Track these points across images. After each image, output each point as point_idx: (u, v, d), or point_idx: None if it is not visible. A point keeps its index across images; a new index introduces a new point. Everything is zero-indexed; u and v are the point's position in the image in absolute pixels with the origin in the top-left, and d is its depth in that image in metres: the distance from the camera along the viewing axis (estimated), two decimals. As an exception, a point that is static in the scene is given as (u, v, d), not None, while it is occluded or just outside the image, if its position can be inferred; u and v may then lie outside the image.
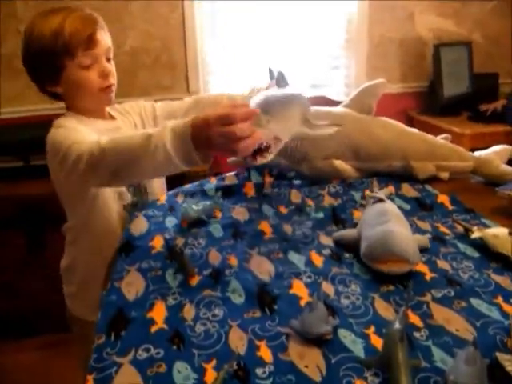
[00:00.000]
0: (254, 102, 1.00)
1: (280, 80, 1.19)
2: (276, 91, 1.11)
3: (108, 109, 1.21)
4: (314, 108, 1.41)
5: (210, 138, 0.80)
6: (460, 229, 1.05)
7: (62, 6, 1.09)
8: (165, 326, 0.77)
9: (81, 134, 1.03)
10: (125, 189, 1.17)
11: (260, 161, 0.90)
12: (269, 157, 0.90)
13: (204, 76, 2.62)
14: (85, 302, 1.22)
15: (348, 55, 2.75)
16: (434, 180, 1.35)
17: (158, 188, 1.31)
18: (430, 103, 2.75)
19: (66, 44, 1.01)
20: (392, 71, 2.78)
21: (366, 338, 0.73)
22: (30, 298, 2.11)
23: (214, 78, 2.65)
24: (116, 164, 0.91)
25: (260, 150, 0.88)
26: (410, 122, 2.78)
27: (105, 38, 1.08)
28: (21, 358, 2.05)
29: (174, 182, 1.37)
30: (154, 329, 0.77)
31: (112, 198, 1.16)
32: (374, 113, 1.40)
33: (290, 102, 1.03)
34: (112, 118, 1.21)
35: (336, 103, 1.68)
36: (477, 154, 1.39)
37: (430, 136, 1.39)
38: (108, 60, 1.10)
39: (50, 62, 1.04)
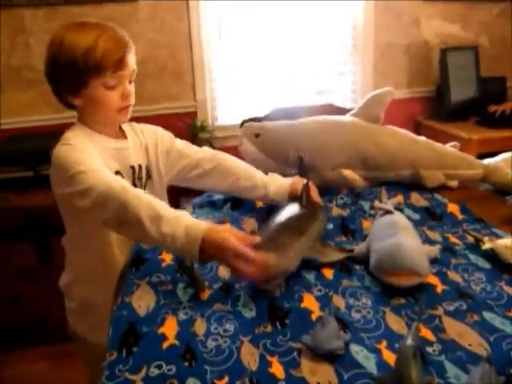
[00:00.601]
0: (272, 227, 0.97)
1: (302, 167, 1.23)
2: (295, 213, 1.02)
3: (125, 125, 1.19)
4: (322, 117, 1.42)
5: (218, 259, 0.90)
6: (471, 239, 1.05)
7: (91, 21, 1.08)
8: (176, 342, 0.77)
9: (89, 159, 1.01)
10: None
11: (265, 287, 0.88)
12: (275, 284, 0.87)
13: (211, 84, 2.63)
14: (85, 321, 1.21)
15: (354, 61, 2.75)
16: (443, 188, 1.34)
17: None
18: (437, 108, 2.74)
19: (96, 63, 1.01)
20: (399, 77, 2.78)
21: (378, 353, 0.72)
22: (36, 307, 2.12)
23: (220, 86, 2.65)
24: (123, 221, 0.93)
25: (267, 279, 0.87)
26: (417, 128, 2.77)
27: (133, 60, 1.08)
28: (25, 368, 2.06)
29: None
30: (165, 345, 0.77)
31: None
32: (381, 121, 1.40)
33: (305, 235, 0.96)
34: (123, 135, 1.18)
35: (342, 110, 1.68)
36: (486, 161, 1.38)
37: (438, 144, 1.38)
38: (130, 82, 1.09)
39: (76, 77, 1.03)
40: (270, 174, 1.26)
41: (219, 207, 1.27)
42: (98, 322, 1.03)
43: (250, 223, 1.17)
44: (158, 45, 2.53)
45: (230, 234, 0.87)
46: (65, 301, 1.25)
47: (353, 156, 1.34)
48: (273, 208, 1.23)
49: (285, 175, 1.37)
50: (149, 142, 1.22)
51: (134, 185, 1.14)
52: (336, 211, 1.22)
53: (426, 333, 0.76)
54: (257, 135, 1.40)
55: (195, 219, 0.92)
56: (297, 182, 1.20)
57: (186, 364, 0.72)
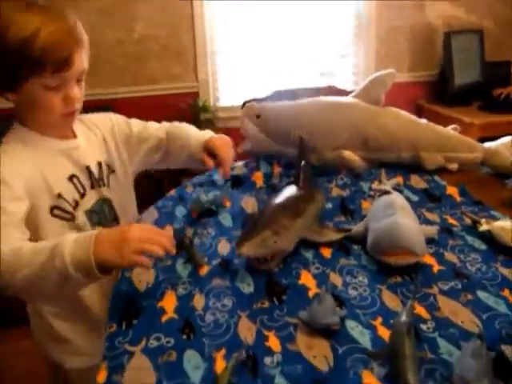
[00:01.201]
0: (270, 207, 0.96)
1: (302, 148, 1.21)
2: (292, 194, 1.02)
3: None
4: (323, 98, 1.42)
5: (127, 244, 0.75)
6: (468, 221, 1.05)
7: (38, 2, 0.89)
8: (175, 316, 0.78)
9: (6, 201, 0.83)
10: (85, 221, 1.00)
11: (263, 267, 0.89)
12: (272, 265, 0.89)
13: (213, 65, 2.62)
14: (63, 348, 1.07)
15: (357, 44, 2.73)
16: (442, 171, 1.35)
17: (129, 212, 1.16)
18: (439, 92, 2.73)
19: (34, 59, 0.82)
20: (401, 60, 2.76)
21: (372, 329, 0.74)
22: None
23: (222, 67, 2.64)
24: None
25: (265, 260, 0.88)
26: (419, 112, 2.76)
27: (82, 59, 0.90)
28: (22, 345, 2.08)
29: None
30: (164, 318, 0.78)
31: (67, 232, 0.95)
32: (382, 103, 1.40)
33: (303, 216, 0.95)
34: (71, 133, 1.03)
35: (344, 92, 1.67)
36: (486, 145, 1.38)
37: (439, 127, 1.38)
38: (78, 81, 0.92)
39: (9, 69, 0.84)
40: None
41: (219, 185, 1.27)
42: (77, 349, 1.04)
43: (250, 202, 1.18)
44: (159, 24, 2.51)
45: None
46: (32, 324, 1.10)
47: (353, 137, 1.34)
48: (273, 188, 1.25)
49: (285, 156, 1.38)
50: (105, 133, 1.09)
51: (92, 186, 1.03)
52: (336, 191, 1.23)
53: (421, 310, 0.77)
54: (258, 116, 1.40)
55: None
56: (215, 138, 1.14)
57: (185, 337, 0.74)
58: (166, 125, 1.21)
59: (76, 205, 0.98)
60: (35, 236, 0.89)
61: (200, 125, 2.43)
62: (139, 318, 0.79)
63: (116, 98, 2.48)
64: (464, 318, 0.76)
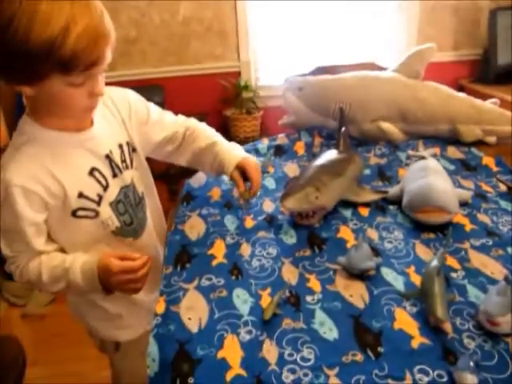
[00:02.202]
0: (312, 168, 1.02)
1: (342, 119, 1.22)
2: (332, 156, 1.08)
3: None
4: (364, 72, 1.46)
5: (111, 283, 0.90)
6: (503, 188, 1.09)
7: None
8: (224, 261, 0.87)
9: (29, 215, 0.87)
10: (110, 213, 0.98)
11: (305, 222, 0.96)
12: (313, 221, 0.96)
13: (254, 45, 2.67)
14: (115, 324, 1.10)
15: (400, 22, 2.72)
16: (480, 144, 1.37)
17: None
18: (483, 72, 2.69)
19: (63, 61, 0.75)
20: (444, 38, 2.73)
21: (406, 275, 0.80)
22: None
23: (263, 46, 2.70)
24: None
25: (307, 215, 0.95)
26: (461, 91, 2.73)
27: (110, 53, 0.83)
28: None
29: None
30: (214, 262, 0.87)
31: (94, 228, 0.97)
32: (421, 77, 1.43)
33: (343, 176, 1.02)
34: (89, 121, 0.96)
35: (385, 69, 1.71)
36: (526, 118, 1.39)
37: (477, 101, 1.41)
38: (102, 74, 0.87)
39: (32, 68, 0.76)
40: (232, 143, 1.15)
41: (263, 154, 1.35)
42: (127, 323, 1.09)
43: (292, 168, 1.25)
44: (203, 5, 2.58)
45: (110, 258, 0.89)
46: (78, 307, 1.12)
47: (392, 110, 1.38)
48: (314, 156, 1.31)
49: (326, 127, 1.44)
50: (124, 114, 1.03)
51: (114, 175, 0.98)
52: (374, 160, 1.28)
53: (452, 262, 0.83)
54: (300, 88, 1.47)
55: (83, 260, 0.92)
56: (249, 160, 1.08)
57: (234, 278, 0.83)
58: (182, 119, 1.16)
59: (100, 199, 0.95)
60: (63, 236, 0.94)
61: (242, 103, 2.51)
62: (192, 261, 0.88)
63: (163, 77, 2.57)
64: (493, 269, 0.81)
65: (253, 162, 1.07)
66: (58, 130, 0.89)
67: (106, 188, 0.96)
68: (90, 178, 0.94)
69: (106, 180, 0.96)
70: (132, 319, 1.08)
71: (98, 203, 0.95)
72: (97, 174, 0.95)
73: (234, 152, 1.09)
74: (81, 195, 0.91)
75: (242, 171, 1.05)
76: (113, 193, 0.98)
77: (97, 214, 0.95)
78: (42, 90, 0.80)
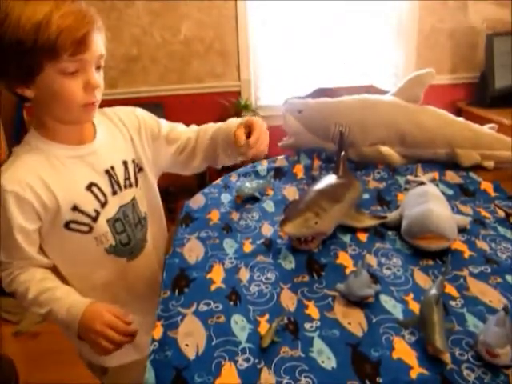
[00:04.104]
0: (311, 192, 1.02)
1: (342, 142, 1.23)
2: (332, 182, 1.08)
3: (97, 114, 0.96)
4: (363, 95, 1.48)
5: (91, 330, 0.89)
6: (501, 214, 1.10)
7: None
8: (223, 285, 0.87)
9: (23, 223, 0.89)
10: (107, 230, 0.99)
11: (303, 247, 0.96)
12: (312, 246, 0.96)
13: (255, 65, 2.70)
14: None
15: (398, 45, 2.76)
16: (478, 168, 1.38)
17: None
18: (480, 95, 2.73)
19: (50, 42, 0.79)
20: (442, 62, 2.77)
21: (404, 303, 0.80)
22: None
23: (264, 67, 2.73)
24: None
25: (306, 240, 0.95)
26: (459, 114, 2.75)
27: (99, 42, 0.87)
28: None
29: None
30: (213, 287, 0.87)
31: (85, 244, 0.98)
32: (421, 102, 1.45)
33: (342, 201, 1.02)
34: (92, 134, 0.99)
35: (384, 92, 1.72)
36: (524, 143, 1.41)
37: (475, 125, 1.42)
38: (98, 68, 0.89)
39: (25, 60, 0.81)
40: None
41: (263, 176, 1.35)
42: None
43: (292, 191, 1.25)
44: (205, 25, 2.62)
45: (105, 308, 0.91)
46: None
47: (391, 133, 1.39)
48: (313, 180, 1.32)
49: (325, 150, 1.45)
50: (132, 131, 1.05)
51: (114, 192, 0.99)
52: (372, 184, 1.29)
53: (451, 289, 0.83)
54: (300, 111, 1.48)
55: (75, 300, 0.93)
56: (253, 118, 1.07)
57: (232, 303, 0.82)
58: (194, 127, 1.19)
59: (97, 215, 0.96)
60: (54, 248, 0.97)
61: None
62: (190, 286, 0.88)
63: (163, 95, 2.59)
64: (492, 297, 0.81)
65: (259, 120, 1.06)
66: (60, 142, 0.93)
67: (104, 204, 0.97)
68: (87, 193, 0.95)
69: (104, 196, 0.97)
70: None
71: (95, 219, 0.96)
72: (95, 189, 0.96)
73: (237, 120, 1.10)
74: (75, 208, 0.93)
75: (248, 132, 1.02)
76: (111, 210, 0.99)
77: (90, 229, 0.96)
78: (40, 88, 0.84)
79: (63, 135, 0.93)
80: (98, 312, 0.89)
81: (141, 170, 1.06)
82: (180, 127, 1.16)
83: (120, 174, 1.00)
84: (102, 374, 1.12)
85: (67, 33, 0.80)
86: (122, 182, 1.01)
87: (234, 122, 1.11)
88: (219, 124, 1.15)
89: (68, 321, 0.90)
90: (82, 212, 0.94)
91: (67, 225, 0.93)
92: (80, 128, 0.97)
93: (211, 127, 1.15)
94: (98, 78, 0.89)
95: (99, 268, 1.02)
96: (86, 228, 0.95)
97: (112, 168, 0.99)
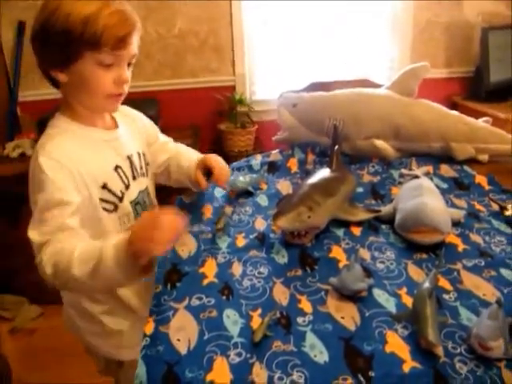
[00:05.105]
0: (305, 186, 1.02)
1: (336, 136, 1.22)
2: (326, 175, 1.08)
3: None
4: (358, 89, 1.47)
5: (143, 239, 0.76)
6: (495, 207, 1.09)
7: None
8: (215, 280, 0.86)
9: (63, 195, 0.86)
10: (130, 211, 1.02)
11: (297, 242, 0.96)
12: (305, 240, 0.96)
13: (249, 60, 2.69)
14: (110, 342, 1.08)
15: (393, 39, 2.75)
16: (473, 162, 1.38)
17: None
18: (475, 89, 2.72)
19: (95, 35, 0.86)
20: (437, 56, 2.76)
21: (398, 296, 0.79)
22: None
23: (259, 61, 2.71)
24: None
25: (299, 234, 0.95)
26: (454, 108, 2.73)
27: (136, 42, 0.94)
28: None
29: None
30: (205, 281, 0.86)
31: (111, 222, 0.99)
32: (415, 95, 1.44)
33: (336, 195, 1.02)
34: (114, 123, 1.06)
35: (378, 86, 1.72)
36: (518, 136, 1.40)
37: (470, 118, 1.42)
38: (129, 65, 0.96)
39: (68, 48, 0.88)
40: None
41: (256, 170, 1.35)
42: (127, 342, 1.05)
43: (285, 185, 1.24)
44: (199, 20, 2.59)
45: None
46: (76, 321, 1.09)
47: (385, 127, 1.39)
48: (307, 174, 1.31)
49: (319, 144, 1.44)
50: (140, 128, 1.14)
51: (134, 177, 1.04)
52: (367, 178, 1.28)
53: (444, 283, 0.83)
54: (294, 105, 1.47)
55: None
56: (207, 155, 1.16)
57: (224, 298, 0.82)
58: (172, 144, 1.24)
59: (122, 195, 1.00)
60: (95, 228, 0.94)
61: (236, 117, 2.51)
62: (182, 280, 0.87)
63: (158, 90, 2.58)
64: (486, 291, 0.81)
65: (212, 155, 1.16)
66: (87, 125, 0.98)
67: (127, 187, 1.02)
68: (114, 173, 0.99)
69: (127, 179, 1.02)
70: (133, 338, 1.00)
71: (120, 199, 1.00)
72: (120, 171, 1.01)
73: (191, 155, 1.19)
74: (104, 186, 0.97)
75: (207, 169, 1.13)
76: (133, 193, 1.04)
77: (115, 208, 0.99)
78: (75, 73, 0.91)
79: (90, 120, 0.99)
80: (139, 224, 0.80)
81: (147, 164, 1.12)
82: (169, 144, 1.23)
83: (137, 162, 1.07)
84: (118, 368, 1.12)
85: (112, 30, 0.87)
86: (138, 170, 1.07)
87: (193, 163, 1.16)
88: (182, 157, 1.19)
89: (121, 257, 0.76)
90: (110, 191, 0.97)
91: (99, 202, 0.96)
92: (104, 116, 1.04)
93: (178, 160, 1.19)
94: (128, 73, 0.96)
95: None
96: (111, 207, 0.98)
97: (131, 155, 1.05)
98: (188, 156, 1.19)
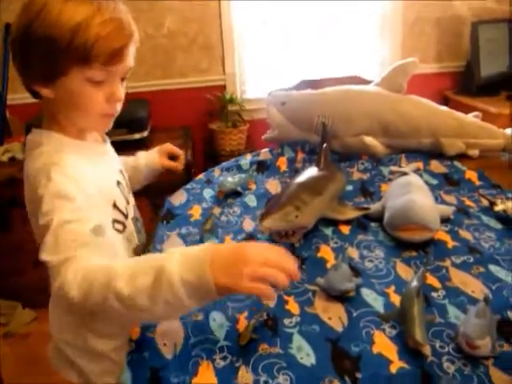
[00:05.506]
0: (292, 186, 1.00)
1: (324, 133, 1.23)
2: (313, 174, 1.07)
3: None
4: (346, 86, 1.46)
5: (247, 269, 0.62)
6: (485, 202, 1.09)
7: None
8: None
9: (84, 213, 0.74)
10: (133, 228, 0.97)
11: (285, 242, 0.94)
12: (294, 240, 0.95)
13: (239, 58, 2.67)
14: (99, 366, 0.94)
15: (383, 35, 2.74)
16: (463, 157, 1.37)
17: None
18: (466, 83, 2.71)
19: (85, 47, 0.74)
20: (428, 51, 2.75)
21: (386, 296, 0.79)
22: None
23: (249, 60, 2.70)
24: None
25: (286, 234, 0.94)
26: (446, 103, 2.74)
27: (132, 54, 0.82)
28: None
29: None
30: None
31: (120, 243, 0.91)
32: (404, 91, 1.43)
33: (323, 194, 1.00)
34: (102, 137, 0.98)
35: (369, 82, 1.71)
36: (508, 131, 1.40)
37: (459, 114, 1.41)
38: (122, 80, 0.85)
39: (52, 59, 0.75)
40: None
41: (245, 170, 1.34)
42: (110, 367, 0.92)
43: (274, 185, 1.24)
44: (188, 19, 2.58)
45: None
46: (75, 360, 0.94)
47: (375, 124, 1.38)
48: (296, 172, 1.30)
49: (309, 142, 1.43)
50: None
51: (128, 191, 1.00)
52: (356, 175, 1.28)
53: (433, 281, 0.82)
54: (283, 103, 1.46)
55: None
56: (163, 146, 1.21)
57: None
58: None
59: (127, 212, 0.94)
60: (109, 255, 0.76)
61: (227, 116, 2.50)
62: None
63: (148, 91, 2.56)
64: (474, 288, 0.80)
65: (166, 144, 1.21)
66: (81, 140, 0.88)
67: (128, 202, 0.96)
68: (117, 189, 0.93)
69: (126, 194, 0.97)
70: (119, 363, 0.84)
71: (126, 216, 0.94)
72: (121, 187, 0.95)
73: (143, 154, 1.19)
74: (114, 206, 0.89)
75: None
76: (131, 209, 0.98)
77: (124, 228, 0.92)
78: (61, 90, 0.79)
79: (80, 135, 0.88)
80: (241, 249, 0.65)
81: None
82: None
83: (125, 175, 1.02)
84: None
85: (105, 42, 0.75)
86: (128, 183, 1.02)
87: (150, 159, 1.18)
88: (129, 161, 1.17)
89: (193, 273, 0.61)
90: (118, 209, 0.90)
91: (113, 224, 0.88)
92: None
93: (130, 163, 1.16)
94: (122, 90, 0.85)
95: None
96: (121, 227, 0.91)
97: (122, 169, 1.00)
98: (132, 158, 1.17)
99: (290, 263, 0.66)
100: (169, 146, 1.21)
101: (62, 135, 0.85)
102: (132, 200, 1.02)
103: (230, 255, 0.63)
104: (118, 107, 0.86)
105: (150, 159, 1.17)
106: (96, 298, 0.63)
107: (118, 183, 0.94)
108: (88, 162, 0.85)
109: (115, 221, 0.88)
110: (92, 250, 0.69)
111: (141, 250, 0.99)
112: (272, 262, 0.63)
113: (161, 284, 0.61)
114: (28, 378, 1.83)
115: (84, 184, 0.79)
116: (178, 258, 0.62)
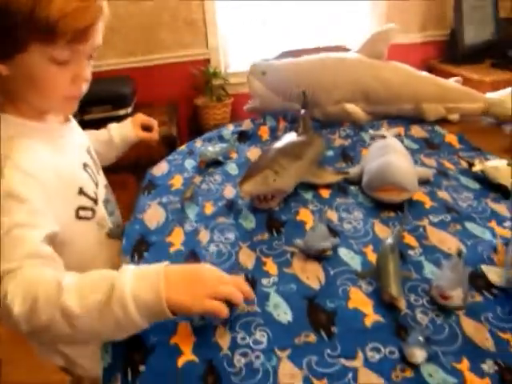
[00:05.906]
0: (271, 151, 1.00)
1: (305, 102, 1.22)
2: (292, 139, 1.08)
3: None
4: (326, 54, 1.45)
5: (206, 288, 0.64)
6: (464, 164, 1.09)
7: None
8: (182, 248, 0.86)
9: (37, 218, 0.68)
10: (104, 212, 0.92)
11: (264, 206, 0.94)
12: (273, 204, 0.95)
13: (223, 32, 2.64)
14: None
15: (367, 5, 2.71)
16: (444, 122, 1.38)
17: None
18: (451, 52, 2.70)
19: (47, 24, 0.66)
20: (412, 20, 2.73)
21: (363, 255, 0.80)
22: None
23: (232, 33, 2.67)
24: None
25: (265, 198, 0.94)
26: (430, 72, 2.72)
27: (101, 33, 0.76)
28: None
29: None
30: (172, 249, 0.85)
31: (90, 231, 0.87)
32: (385, 58, 1.43)
33: (302, 158, 1.01)
34: (67, 116, 0.91)
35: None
36: (488, 95, 1.40)
37: (440, 79, 1.41)
38: (89, 58, 0.78)
39: (9, 34, 0.67)
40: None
41: (227, 139, 1.33)
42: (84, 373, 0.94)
43: (255, 153, 1.24)
44: (170, -7, 2.54)
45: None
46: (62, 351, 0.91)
47: (355, 91, 1.37)
48: (276, 139, 1.30)
49: (291, 111, 1.43)
50: None
51: (97, 171, 0.95)
52: (338, 142, 1.28)
53: (410, 239, 0.83)
54: (263, 73, 1.45)
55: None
56: (135, 117, 1.20)
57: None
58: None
59: (96, 197, 0.88)
60: (74, 249, 0.79)
61: (212, 90, 2.48)
62: (149, 250, 0.86)
63: (132, 68, 2.53)
64: (450, 245, 0.81)
65: (138, 115, 1.20)
66: (43, 122, 0.81)
67: (97, 185, 0.91)
68: (84, 173, 0.87)
69: (95, 176, 0.91)
70: (93, 370, 0.88)
71: (96, 201, 0.88)
72: (88, 169, 0.89)
73: (114, 126, 1.16)
74: (81, 191, 0.83)
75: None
76: (101, 190, 0.94)
77: (93, 214, 0.87)
78: (19, 68, 0.71)
79: (40, 116, 0.81)
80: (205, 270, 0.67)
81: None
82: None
83: (93, 153, 0.97)
84: None
85: (71, 18, 0.67)
86: (97, 162, 0.97)
87: (124, 130, 1.16)
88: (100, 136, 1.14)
89: (148, 290, 0.60)
90: (86, 195, 0.85)
91: (77, 214, 0.82)
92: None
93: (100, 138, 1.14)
94: (89, 70, 0.78)
95: (100, 255, 0.91)
96: (89, 213, 0.85)
97: (89, 147, 0.94)
98: (103, 132, 1.15)
99: (244, 283, 0.69)
100: (142, 117, 1.20)
101: (18, 117, 0.77)
102: (102, 180, 0.96)
103: (187, 275, 0.64)
104: (85, 88, 0.80)
105: (124, 132, 1.15)
106: (40, 314, 0.58)
107: (85, 166, 0.88)
108: (48, 147, 0.79)
109: (81, 208, 0.83)
110: (41, 262, 0.64)
111: (116, 233, 0.95)
112: (228, 282, 0.66)
113: (111, 301, 0.58)
114: (24, 357, 1.84)
115: (42, 177, 0.72)
116: (130, 275, 0.61)
